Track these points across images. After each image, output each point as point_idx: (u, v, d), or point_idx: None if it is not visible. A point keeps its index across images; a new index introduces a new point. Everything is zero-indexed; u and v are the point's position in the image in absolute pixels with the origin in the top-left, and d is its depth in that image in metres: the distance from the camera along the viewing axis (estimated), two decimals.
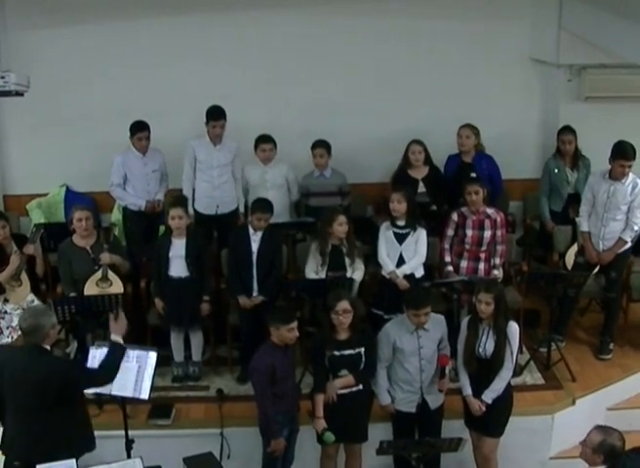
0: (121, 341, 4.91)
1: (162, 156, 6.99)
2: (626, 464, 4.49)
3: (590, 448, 4.45)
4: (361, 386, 5.35)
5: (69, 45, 7.26)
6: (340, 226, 6.14)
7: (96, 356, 5.01)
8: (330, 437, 5.21)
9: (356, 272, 6.20)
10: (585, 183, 6.75)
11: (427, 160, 6.96)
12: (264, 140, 6.89)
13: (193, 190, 6.96)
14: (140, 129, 6.79)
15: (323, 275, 6.17)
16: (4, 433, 4.83)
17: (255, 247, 6.18)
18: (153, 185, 6.95)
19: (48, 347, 4.67)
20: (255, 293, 6.17)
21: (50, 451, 4.61)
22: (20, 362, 4.63)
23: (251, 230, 6.21)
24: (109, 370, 4.82)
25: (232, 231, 6.51)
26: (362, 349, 5.30)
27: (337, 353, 5.26)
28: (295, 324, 5.10)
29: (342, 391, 5.30)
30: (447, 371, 5.38)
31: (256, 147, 6.91)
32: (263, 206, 6.22)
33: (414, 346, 5.32)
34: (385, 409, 5.49)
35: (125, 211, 7.03)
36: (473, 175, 6.81)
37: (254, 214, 6.17)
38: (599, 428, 4.54)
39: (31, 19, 7.19)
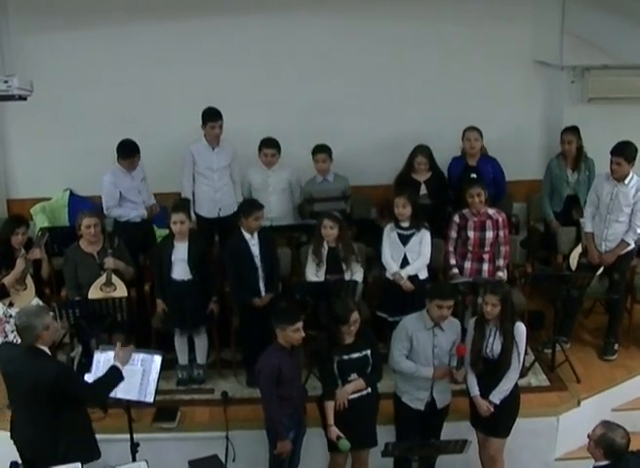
0: (121, 368, 4.86)
1: (141, 161, 6.80)
2: (630, 464, 4.55)
3: (593, 440, 4.56)
4: (369, 389, 5.33)
5: (72, 49, 7.27)
6: (325, 229, 6.09)
7: (100, 360, 5.03)
8: (345, 444, 5.13)
9: (354, 276, 6.15)
10: (587, 185, 6.74)
11: (431, 165, 6.95)
12: (268, 145, 6.85)
13: (193, 194, 6.91)
14: (131, 153, 6.56)
15: (322, 277, 6.15)
16: (12, 421, 4.89)
17: (256, 250, 6.13)
18: (145, 193, 6.86)
19: (45, 348, 4.65)
20: (262, 294, 6.13)
21: (45, 452, 4.64)
22: (16, 362, 4.65)
23: (247, 235, 6.13)
24: (100, 391, 4.81)
25: (228, 239, 6.43)
26: (368, 351, 5.28)
27: (345, 357, 5.23)
28: (300, 324, 5.09)
29: (352, 396, 5.26)
30: (463, 362, 5.33)
31: (259, 150, 6.89)
32: (256, 205, 6.17)
33: (429, 344, 5.31)
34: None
35: (117, 224, 6.80)
36: (473, 175, 6.80)
37: (251, 216, 6.06)
38: (604, 423, 4.64)
39: (34, 23, 7.20)
